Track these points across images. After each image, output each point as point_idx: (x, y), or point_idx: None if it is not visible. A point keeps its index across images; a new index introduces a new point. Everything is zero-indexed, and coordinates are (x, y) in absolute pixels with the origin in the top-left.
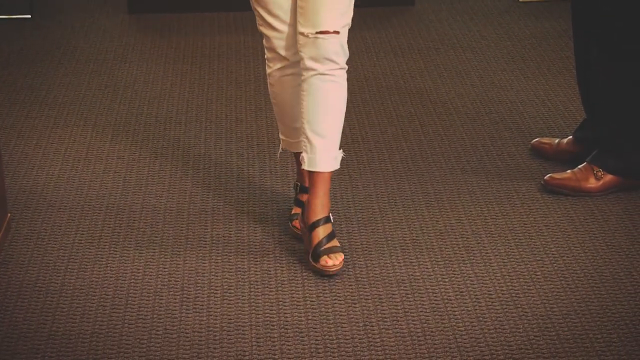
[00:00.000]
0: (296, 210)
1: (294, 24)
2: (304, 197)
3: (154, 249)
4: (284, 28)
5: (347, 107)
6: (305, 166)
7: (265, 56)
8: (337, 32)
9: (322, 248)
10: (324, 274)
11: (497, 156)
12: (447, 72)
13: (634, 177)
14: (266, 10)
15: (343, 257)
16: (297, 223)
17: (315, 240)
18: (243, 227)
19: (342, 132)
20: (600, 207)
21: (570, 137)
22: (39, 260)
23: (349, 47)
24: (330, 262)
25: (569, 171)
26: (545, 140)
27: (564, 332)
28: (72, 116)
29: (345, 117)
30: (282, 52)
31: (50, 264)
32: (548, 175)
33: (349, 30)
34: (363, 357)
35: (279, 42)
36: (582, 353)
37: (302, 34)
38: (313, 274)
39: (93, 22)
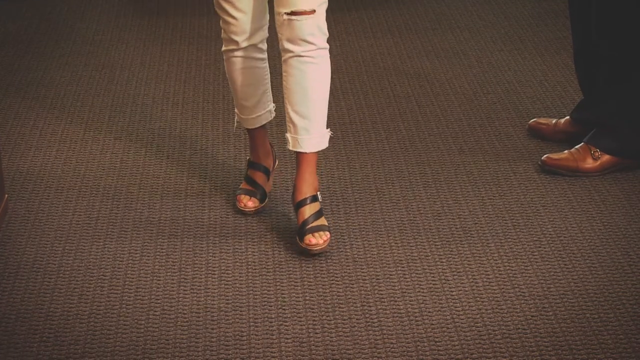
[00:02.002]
0: (244, 185)
1: (250, 12)
2: (256, 175)
3: (152, 230)
4: (237, 14)
5: (345, 87)
6: (290, 146)
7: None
8: (313, 11)
9: (308, 227)
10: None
11: (494, 137)
12: (445, 53)
13: (631, 157)
14: None
15: (329, 236)
16: (242, 199)
17: (301, 219)
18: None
19: (339, 113)
20: (598, 187)
21: (568, 117)
22: (37, 241)
23: (346, 28)
24: (314, 241)
25: (566, 151)
26: (543, 120)
27: (561, 311)
28: (69, 97)
29: (343, 97)
30: (233, 37)
31: (47, 245)
32: (545, 155)
33: (344, 10)
34: (361, 337)
35: (231, 27)
36: (579, 333)
37: (278, 13)
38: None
39: (90, 2)
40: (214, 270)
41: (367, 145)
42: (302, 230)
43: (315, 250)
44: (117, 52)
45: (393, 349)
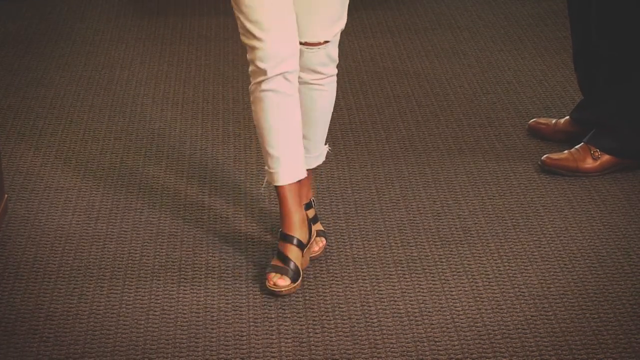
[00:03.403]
0: (274, 261)
1: (278, 30)
2: (288, 249)
3: (151, 230)
4: (264, 35)
5: (344, 87)
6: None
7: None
8: (326, 42)
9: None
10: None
11: (494, 137)
12: (444, 53)
13: (630, 158)
14: (244, 15)
15: (325, 242)
16: (271, 277)
17: None
18: (240, 208)
19: (339, 113)
20: (597, 187)
21: (568, 117)
22: (37, 241)
23: (345, 28)
24: (312, 248)
25: (566, 151)
26: (543, 120)
27: (560, 311)
28: (69, 97)
29: (342, 97)
30: (260, 64)
31: (47, 245)
32: (545, 155)
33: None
34: (360, 337)
35: (257, 53)
36: (578, 333)
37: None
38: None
39: (89, 2)
40: (214, 270)
41: (367, 145)
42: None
43: (313, 257)
44: (117, 52)
45: (393, 349)
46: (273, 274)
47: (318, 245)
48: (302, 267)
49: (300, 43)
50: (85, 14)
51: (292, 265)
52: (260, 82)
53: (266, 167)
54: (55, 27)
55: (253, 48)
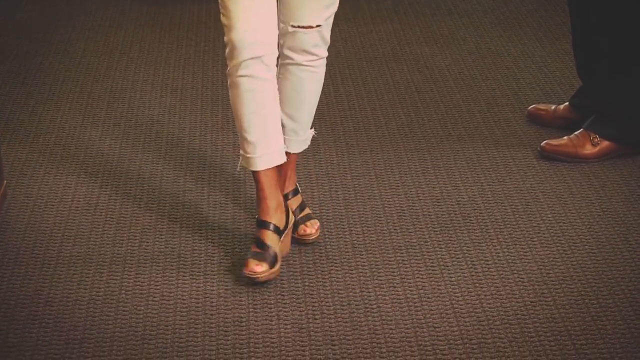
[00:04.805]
0: (253, 248)
1: (255, 15)
2: (264, 235)
3: (151, 216)
4: (243, 16)
5: (344, 74)
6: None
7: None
8: (319, 26)
9: (297, 218)
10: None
11: (493, 123)
12: (444, 39)
13: (629, 144)
14: None
15: (318, 224)
16: (248, 263)
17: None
18: (240, 194)
19: (339, 100)
20: (597, 173)
21: (567, 103)
22: (36, 228)
23: (345, 14)
24: (308, 230)
25: (565, 137)
26: (542, 106)
27: (560, 297)
28: (68, 83)
29: (342, 84)
30: (238, 46)
31: (47, 231)
32: (544, 141)
33: None
34: (360, 323)
35: (235, 34)
36: (577, 318)
37: (282, 22)
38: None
39: None
40: (213, 257)
41: (366, 131)
42: (294, 221)
43: (310, 239)
44: (116, 38)
45: (392, 335)
46: (250, 260)
47: (314, 228)
48: (283, 253)
49: (293, 26)
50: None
51: (270, 251)
52: (236, 66)
53: (241, 152)
54: (54, 13)
55: (230, 29)
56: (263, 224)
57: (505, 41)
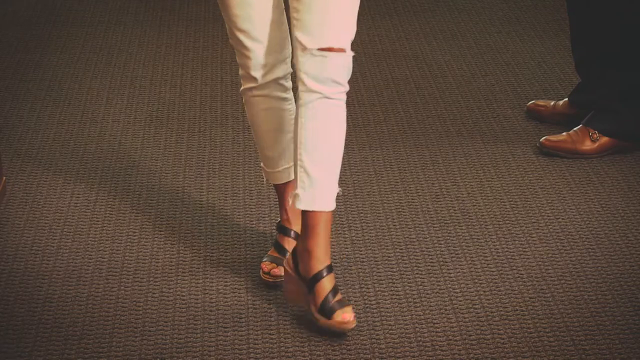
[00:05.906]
0: (271, 252)
1: (267, 41)
2: (286, 241)
3: (150, 212)
4: (253, 45)
5: None
6: (302, 205)
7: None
8: (343, 50)
9: (333, 302)
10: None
11: (492, 118)
12: (443, 35)
13: (629, 140)
14: (232, 22)
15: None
16: (265, 266)
17: (322, 295)
18: (239, 190)
19: None
20: (596, 169)
21: (566, 99)
22: (35, 224)
23: None
24: (347, 317)
25: (564, 133)
26: (541, 102)
27: (559, 293)
28: (67, 79)
29: None
30: (251, 72)
31: (46, 227)
32: (544, 137)
33: None
34: (359, 319)
35: (247, 61)
36: (576, 314)
37: (302, 45)
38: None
39: None
40: (212, 252)
41: (366, 127)
42: (327, 306)
43: (351, 327)
44: (115, 34)
45: (391, 331)
46: (268, 263)
47: (352, 314)
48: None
49: (324, 49)
50: None
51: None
52: (251, 88)
53: (262, 165)
54: (53, 9)
55: (242, 56)
56: (284, 230)
57: (504, 37)
